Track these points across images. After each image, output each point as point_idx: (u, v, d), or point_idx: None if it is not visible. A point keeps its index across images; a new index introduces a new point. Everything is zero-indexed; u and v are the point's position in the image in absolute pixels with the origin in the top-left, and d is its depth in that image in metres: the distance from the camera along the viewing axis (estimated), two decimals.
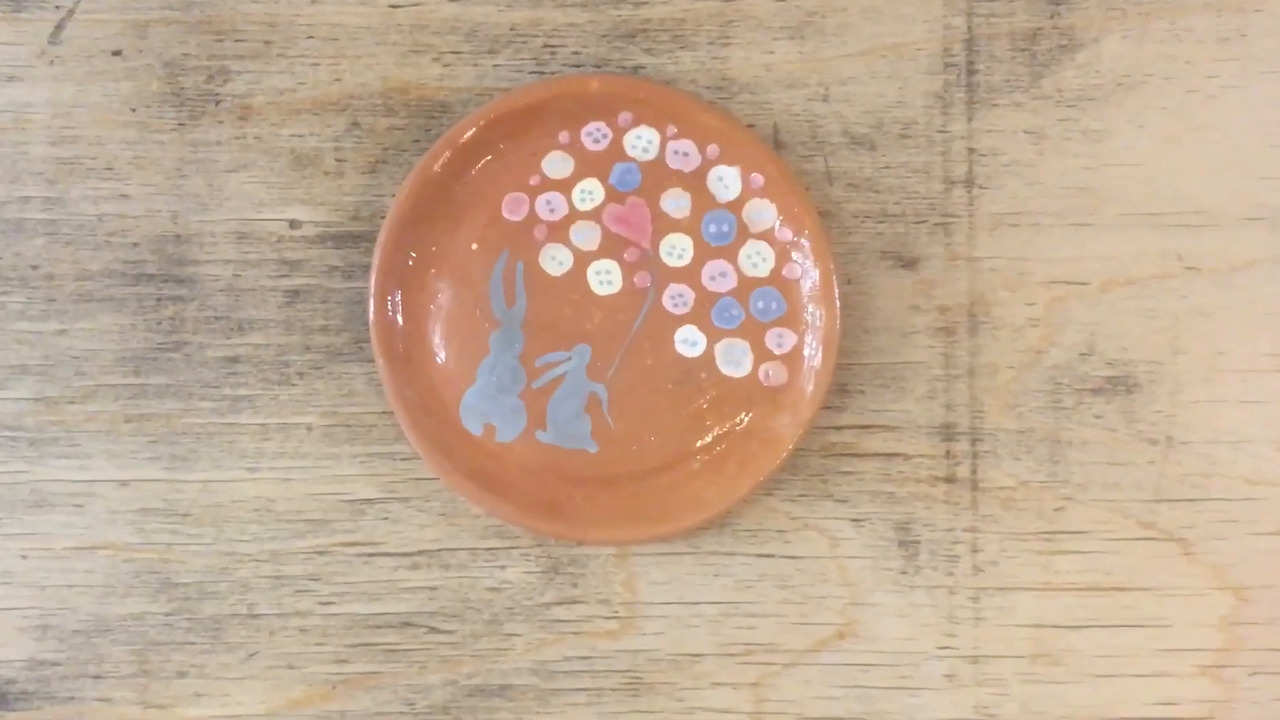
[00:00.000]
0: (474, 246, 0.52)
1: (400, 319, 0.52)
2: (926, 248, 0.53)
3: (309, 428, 0.53)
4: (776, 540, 0.53)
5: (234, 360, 0.53)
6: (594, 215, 0.52)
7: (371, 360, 0.52)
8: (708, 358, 0.52)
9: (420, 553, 0.53)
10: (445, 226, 0.52)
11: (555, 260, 0.52)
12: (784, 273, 0.52)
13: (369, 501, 0.53)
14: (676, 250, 0.52)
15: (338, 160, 0.53)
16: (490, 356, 0.52)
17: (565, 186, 0.52)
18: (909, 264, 0.53)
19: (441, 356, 0.52)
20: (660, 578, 0.53)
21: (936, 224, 0.53)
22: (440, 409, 0.52)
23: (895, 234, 0.53)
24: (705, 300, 0.52)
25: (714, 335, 0.52)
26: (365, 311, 0.52)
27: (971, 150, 0.53)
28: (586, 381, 0.52)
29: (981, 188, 0.53)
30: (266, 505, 0.53)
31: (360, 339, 0.53)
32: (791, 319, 0.52)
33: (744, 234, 0.52)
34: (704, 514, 0.51)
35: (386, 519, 0.53)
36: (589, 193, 0.52)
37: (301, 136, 0.53)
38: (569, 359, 0.52)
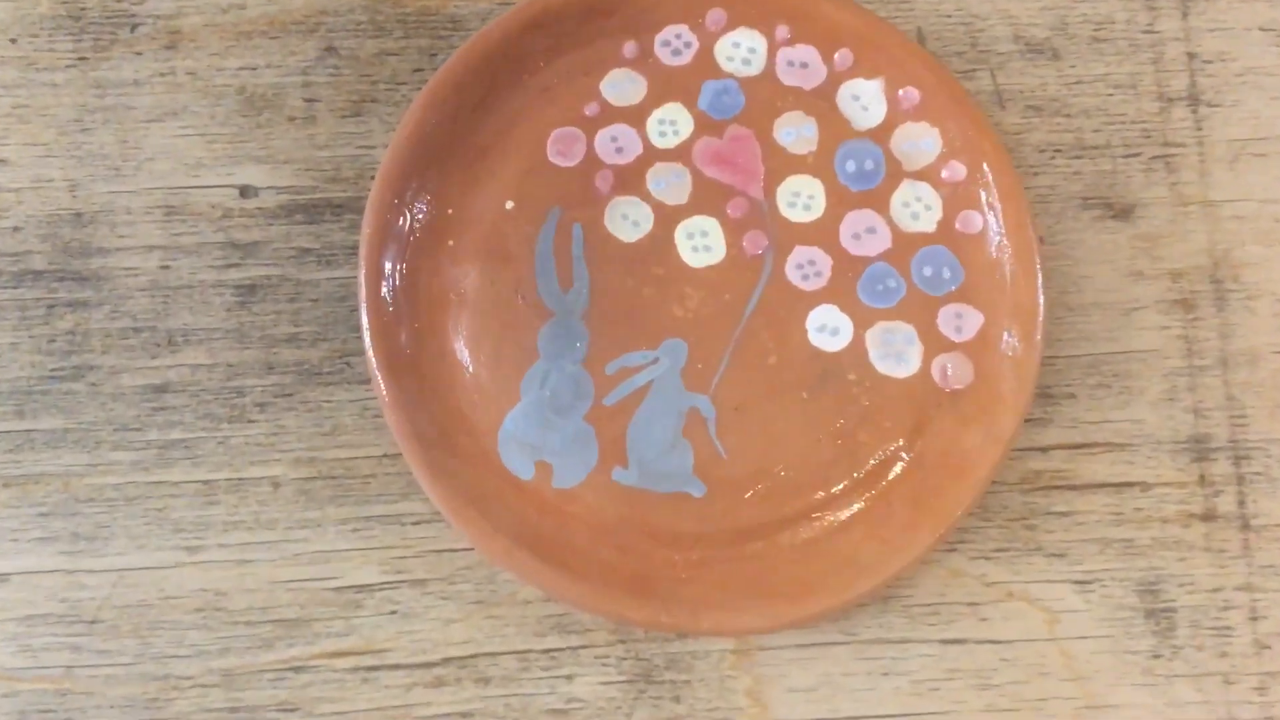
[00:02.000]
0: (509, 206, 0.47)
1: (406, 316, 0.46)
2: (1144, 190, 0.48)
3: (276, 483, 0.47)
4: (969, 618, 0.47)
5: (162, 390, 0.48)
6: (680, 155, 0.47)
7: (366, 381, 0.47)
8: (856, 351, 0.46)
9: (446, 661, 0.47)
10: (465, 180, 0.47)
11: (628, 220, 0.47)
12: (957, 225, 0.47)
13: (367, 588, 0.47)
14: (801, 199, 0.47)
15: (307, 101, 0.49)
16: (541, 363, 0.46)
17: (637, 117, 0.47)
18: (1122, 213, 0.48)
19: (469, 367, 0.46)
20: (802, 682, 0.47)
21: (1155, 157, 0.49)
22: (470, 444, 0.46)
23: (1099, 173, 0.48)
24: (847, 268, 0.47)
25: (863, 318, 0.47)
26: (354, 310, 0.47)
27: (1191, 56, 0.49)
28: (683, 393, 0.46)
29: (1211, 105, 0.49)
30: (215, 601, 0.47)
31: (348, 351, 0.48)
32: (972, 290, 0.46)
33: (896, 173, 0.47)
34: (861, 584, 0.44)
35: (394, 613, 0.47)
36: (671, 124, 0.47)
37: (255, 70, 0.49)
38: (655, 361, 0.46)
